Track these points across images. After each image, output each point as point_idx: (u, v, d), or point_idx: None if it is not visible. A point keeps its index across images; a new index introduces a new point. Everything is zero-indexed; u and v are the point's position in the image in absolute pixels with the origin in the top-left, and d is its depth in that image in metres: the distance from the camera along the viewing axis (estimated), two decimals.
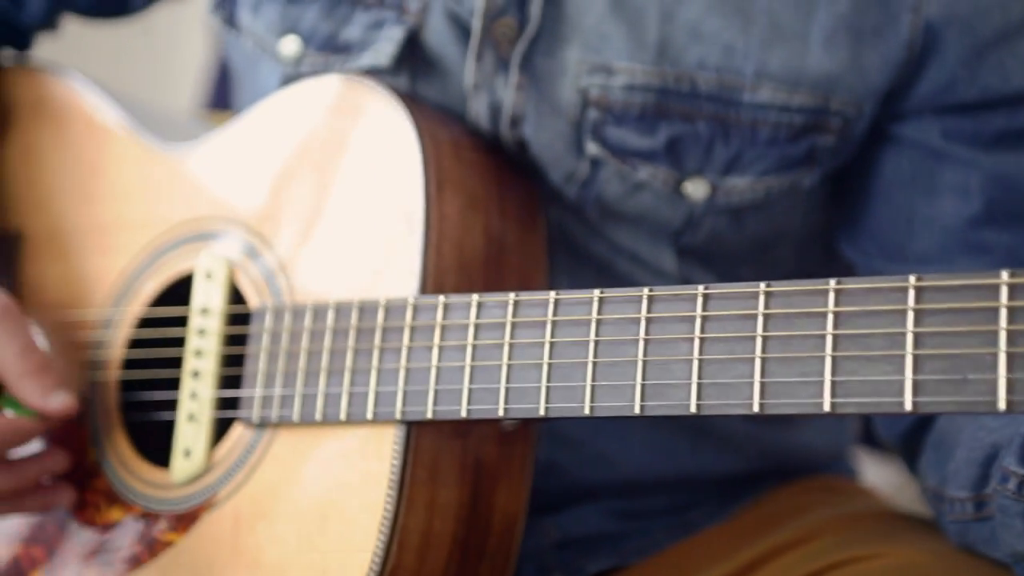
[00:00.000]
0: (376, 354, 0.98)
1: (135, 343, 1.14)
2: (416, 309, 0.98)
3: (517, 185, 1.10)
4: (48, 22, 1.32)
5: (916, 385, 0.78)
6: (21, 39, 1.33)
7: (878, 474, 1.49)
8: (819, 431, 1.24)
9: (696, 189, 1.08)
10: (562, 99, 1.07)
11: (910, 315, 0.79)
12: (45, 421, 1.07)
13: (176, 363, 1.11)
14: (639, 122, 1.06)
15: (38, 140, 1.26)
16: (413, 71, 1.11)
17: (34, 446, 1.12)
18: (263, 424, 1.04)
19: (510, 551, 1.02)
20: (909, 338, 0.79)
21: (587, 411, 0.88)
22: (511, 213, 1.08)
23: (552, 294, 0.92)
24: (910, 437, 1.07)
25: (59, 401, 1.06)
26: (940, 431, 1.03)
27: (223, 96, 2.44)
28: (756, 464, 1.19)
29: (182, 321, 1.11)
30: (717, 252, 1.13)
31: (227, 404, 1.07)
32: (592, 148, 1.07)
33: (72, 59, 1.33)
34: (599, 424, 1.14)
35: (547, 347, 0.91)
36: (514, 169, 1.10)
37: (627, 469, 1.16)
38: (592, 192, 1.09)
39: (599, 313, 0.89)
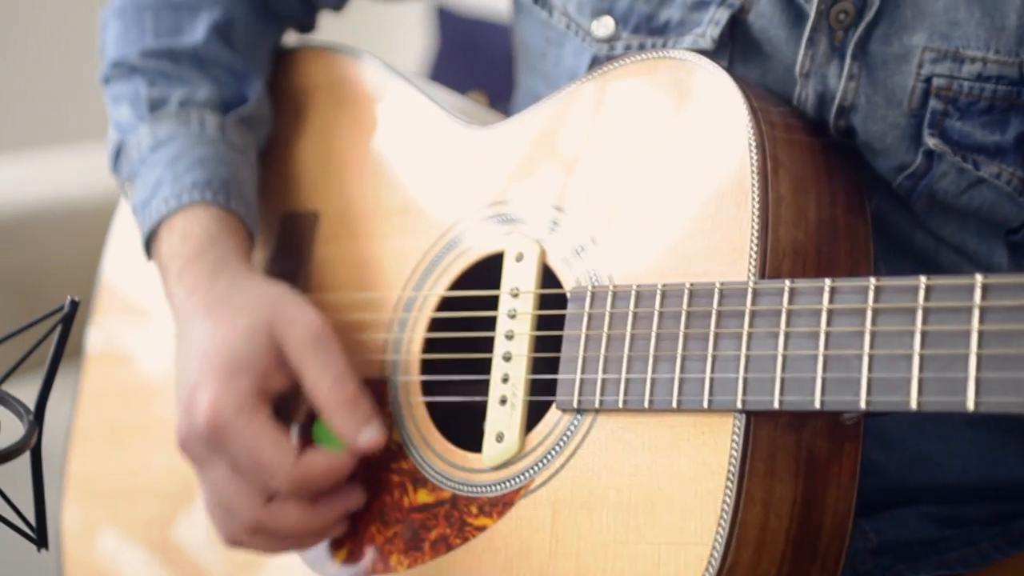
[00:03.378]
0: (711, 340, 0.94)
1: (436, 323, 1.13)
2: (756, 294, 0.94)
3: (844, 171, 1.05)
4: (337, 2, 1.33)
5: None
6: (310, 19, 1.34)
7: None
8: None
9: None
10: (900, 88, 1.01)
11: None
12: (355, 456, 1.06)
13: (478, 345, 1.09)
14: (987, 115, 1.00)
15: (335, 122, 1.26)
16: (732, 53, 1.07)
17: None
18: (582, 409, 1.01)
19: (840, 552, 0.97)
20: None
21: (971, 406, 0.82)
22: (839, 199, 1.03)
23: (922, 279, 0.87)
24: None
25: (370, 435, 1.06)
26: None
27: (439, 79, 2.45)
28: None
29: (484, 303, 1.10)
30: None
31: (540, 387, 1.05)
32: (931, 141, 1.01)
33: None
34: (920, 424, 1.08)
35: (917, 336, 0.85)
36: (839, 154, 1.05)
37: (949, 473, 1.09)
38: (924, 185, 1.03)
39: (983, 300, 0.83)
